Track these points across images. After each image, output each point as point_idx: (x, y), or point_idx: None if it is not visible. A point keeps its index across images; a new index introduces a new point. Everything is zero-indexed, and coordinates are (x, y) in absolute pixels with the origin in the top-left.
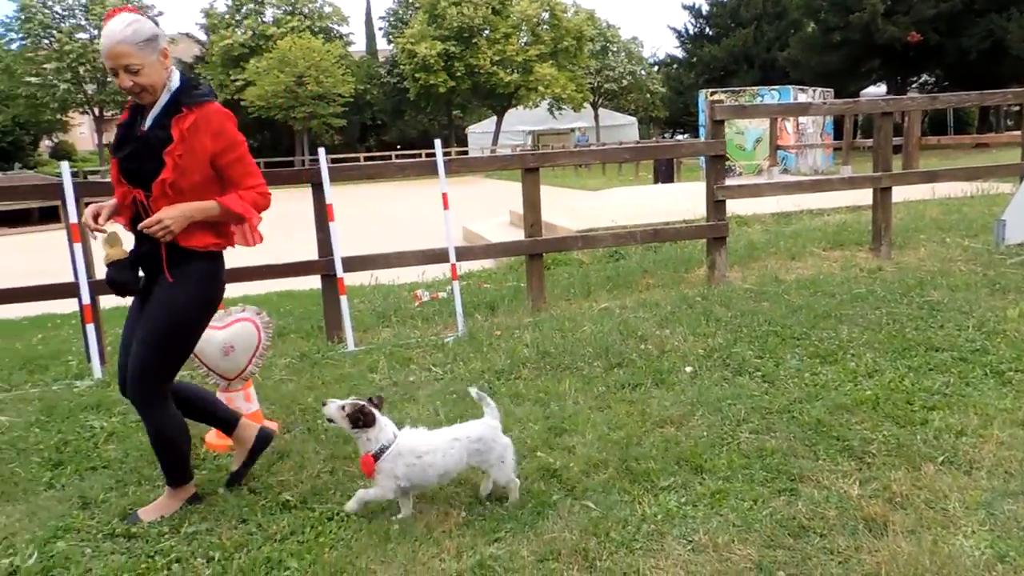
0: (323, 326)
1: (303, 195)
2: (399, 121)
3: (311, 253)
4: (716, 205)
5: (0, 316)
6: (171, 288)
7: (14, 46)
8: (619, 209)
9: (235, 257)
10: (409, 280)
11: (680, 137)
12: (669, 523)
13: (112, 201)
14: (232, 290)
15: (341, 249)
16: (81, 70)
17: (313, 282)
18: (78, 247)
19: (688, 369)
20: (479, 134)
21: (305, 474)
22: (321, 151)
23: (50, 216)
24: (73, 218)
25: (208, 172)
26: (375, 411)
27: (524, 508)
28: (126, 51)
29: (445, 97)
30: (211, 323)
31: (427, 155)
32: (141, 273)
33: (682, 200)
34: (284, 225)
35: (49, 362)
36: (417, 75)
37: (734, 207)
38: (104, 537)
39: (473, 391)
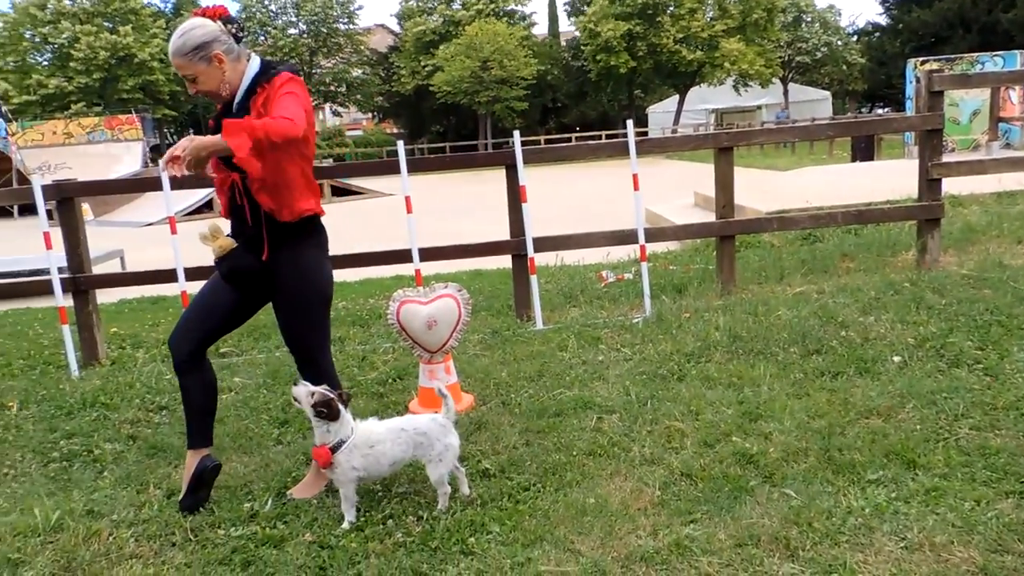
0: (512, 304)
1: (481, 178)
2: (580, 103)
3: (491, 233)
4: (930, 184)
5: None
6: (291, 267)
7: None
8: (812, 189)
9: (430, 238)
10: (593, 261)
11: (881, 111)
12: (878, 518)
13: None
14: (425, 268)
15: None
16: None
17: (500, 261)
18: None
19: (896, 359)
20: (660, 114)
21: (501, 445)
22: (516, 134)
23: None
24: None
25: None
26: (341, 407)
27: (720, 492)
28: (179, 63)
29: (626, 77)
30: (416, 298)
31: (607, 136)
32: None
33: (884, 179)
34: (465, 206)
35: (271, 331)
36: (598, 56)
37: (948, 186)
38: (326, 491)
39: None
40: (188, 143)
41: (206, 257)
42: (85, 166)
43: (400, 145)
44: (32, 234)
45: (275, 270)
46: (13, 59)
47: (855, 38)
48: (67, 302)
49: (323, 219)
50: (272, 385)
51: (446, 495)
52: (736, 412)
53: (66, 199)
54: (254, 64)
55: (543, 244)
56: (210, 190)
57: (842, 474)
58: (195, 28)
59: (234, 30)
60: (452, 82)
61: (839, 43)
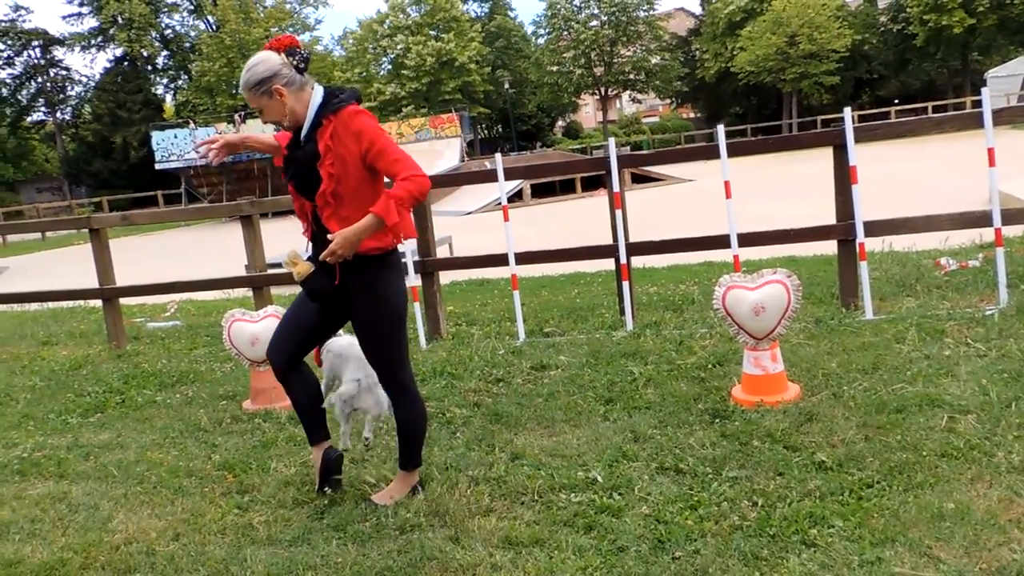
0: (836, 292)
1: (789, 159)
2: (900, 72)
3: (803, 217)
4: None
5: (547, 272)
6: (362, 290)
7: (541, 41)
8: None
9: (739, 223)
10: (927, 247)
11: None
12: None
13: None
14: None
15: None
16: (592, 55)
17: (817, 247)
18: (619, 213)
19: None
20: (1001, 79)
21: (836, 438)
22: (847, 111)
23: (591, 185)
24: (616, 187)
25: (362, 173)
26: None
27: None
28: (248, 97)
29: (960, 39)
30: (743, 283)
31: (934, 109)
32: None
33: None
34: (773, 190)
35: (587, 313)
36: (926, 17)
37: None
38: (656, 469)
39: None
40: (341, 240)
41: (535, 243)
42: None
43: (720, 129)
44: None
45: (349, 293)
46: (359, 70)
47: None
48: (415, 282)
49: (617, 209)
50: (595, 364)
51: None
52: None
53: None
54: (317, 95)
55: (874, 228)
56: (519, 181)
57: None
58: (258, 64)
59: (296, 61)
60: (755, 61)
61: None
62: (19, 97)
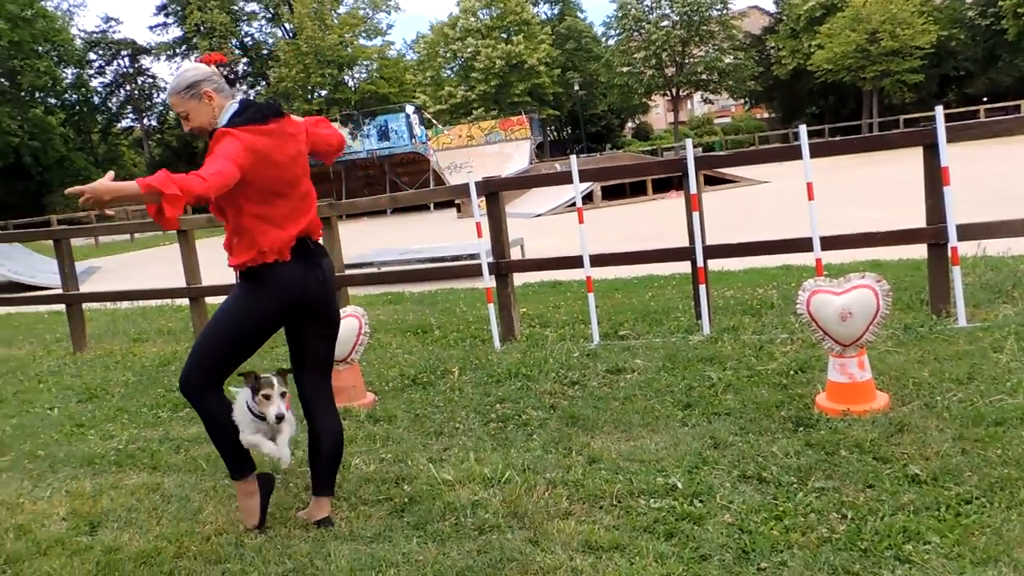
0: (925, 298)
1: (869, 161)
2: (989, 69)
3: (886, 220)
4: None
5: (619, 275)
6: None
7: (611, 42)
8: None
9: (830, 226)
10: (1022, 252)
11: None
12: None
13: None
14: (808, 257)
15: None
16: (663, 55)
17: (901, 252)
18: (695, 215)
19: None
20: None
21: (930, 451)
22: (938, 109)
23: (661, 187)
24: (693, 189)
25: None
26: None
27: None
28: (173, 101)
29: None
30: (829, 287)
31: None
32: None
33: None
34: (852, 193)
35: (662, 316)
36: (1021, 10)
37: None
38: (738, 477)
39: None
40: (95, 187)
41: (607, 245)
42: (483, 165)
43: (802, 129)
44: (438, 226)
45: None
46: (430, 74)
47: None
48: (490, 284)
49: (694, 211)
50: (672, 368)
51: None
52: None
53: (492, 193)
54: (230, 109)
55: (969, 232)
56: (590, 183)
57: None
58: (188, 70)
59: (226, 72)
60: (834, 59)
61: None
62: (109, 104)
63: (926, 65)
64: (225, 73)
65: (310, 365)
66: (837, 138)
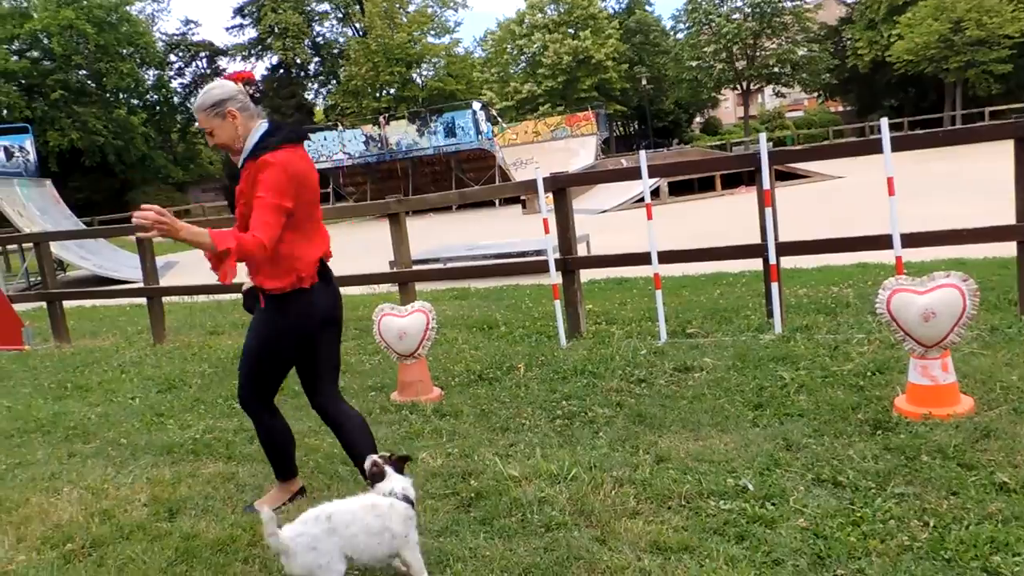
0: (1014, 298)
1: (951, 155)
2: None
3: (967, 217)
4: None
5: (687, 272)
6: (260, 314)
7: (680, 35)
8: None
9: (908, 223)
10: None
11: None
12: None
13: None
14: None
15: None
16: (734, 49)
17: (987, 250)
18: (768, 211)
19: None
20: None
21: (1019, 458)
22: None
23: (731, 183)
24: (766, 184)
25: None
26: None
27: None
28: (199, 117)
29: None
30: (911, 287)
31: None
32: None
33: None
34: (929, 188)
35: (731, 315)
36: None
37: None
38: (812, 480)
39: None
40: (171, 224)
41: (674, 241)
42: (548, 160)
43: (883, 122)
44: (503, 222)
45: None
46: (496, 70)
47: None
48: (556, 280)
49: (767, 207)
50: (742, 368)
51: None
52: None
53: (560, 189)
54: (259, 130)
55: None
56: (657, 179)
57: None
58: (214, 88)
59: (251, 91)
60: (915, 50)
61: None
62: (188, 105)
63: (1015, 55)
64: (251, 92)
65: (325, 371)
66: (919, 131)
